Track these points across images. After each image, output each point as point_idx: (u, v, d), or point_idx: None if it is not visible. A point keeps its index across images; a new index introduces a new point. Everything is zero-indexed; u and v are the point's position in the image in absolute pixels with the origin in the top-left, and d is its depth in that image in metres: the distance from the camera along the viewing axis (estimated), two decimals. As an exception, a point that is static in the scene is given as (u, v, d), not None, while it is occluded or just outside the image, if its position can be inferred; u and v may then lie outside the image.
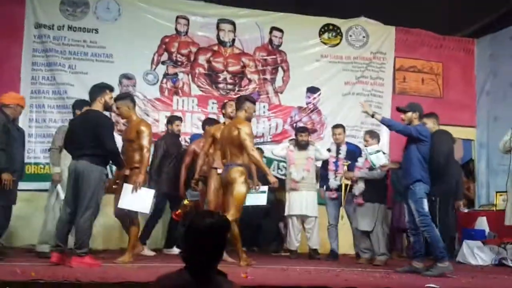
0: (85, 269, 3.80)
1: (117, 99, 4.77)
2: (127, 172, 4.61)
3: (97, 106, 4.39)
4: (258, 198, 5.23)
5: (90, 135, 4.22)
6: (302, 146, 6.05)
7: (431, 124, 5.14)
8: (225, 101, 5.88)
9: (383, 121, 4.82)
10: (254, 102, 4.97)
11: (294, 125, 7.09)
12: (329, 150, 6.07)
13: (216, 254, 1.89)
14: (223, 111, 5.45)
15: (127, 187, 4.54)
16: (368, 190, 5.48)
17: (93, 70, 6.59)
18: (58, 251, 4.10)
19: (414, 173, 4.51)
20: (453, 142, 5.22)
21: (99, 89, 4.46)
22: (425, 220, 4.43)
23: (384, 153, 5.40)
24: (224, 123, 5.31)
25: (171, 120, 6.17)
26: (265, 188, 5.24)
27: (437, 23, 7.62)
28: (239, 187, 4.54)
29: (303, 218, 6.03)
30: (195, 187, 5.27)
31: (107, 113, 4.69)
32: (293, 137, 6.44)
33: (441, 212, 4.90)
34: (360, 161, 5.77)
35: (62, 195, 4.76)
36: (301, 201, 5.94)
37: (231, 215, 4.38)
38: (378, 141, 5.70)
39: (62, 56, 6.57)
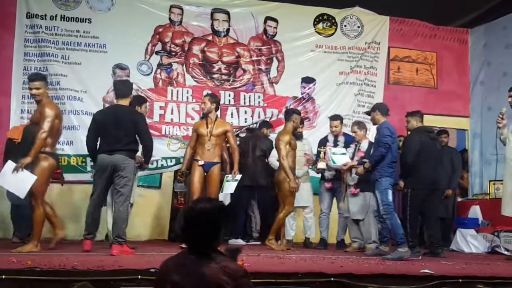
0: (82, 256, 3.80)
1: (38, 79, 4.60)
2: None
3: (126, 102, 4.63)
4: (233, 185, 5.36)
5: (126, 130, 4.44)
6: (298, 137, 6.08)
7: (414, 122, 5.39)
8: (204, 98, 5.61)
9: (374, 163, 5.03)
10: (299, 113, 5.77)
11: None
12: (327, 140, 6.10)
13: (214, 234, 2.07)
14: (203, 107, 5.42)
15: (10, 165, 4.31)
16: (360, 179, 5.52)
17: (87, 61, 6.55)
18: (89, 238, 4.44)
19: (381, 170, 4.95)
20: (430, 138, 5.39)
21: (129, 86, 4.80)
22: (388, 208, 4.87)
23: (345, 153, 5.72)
24: (206, 119, 5.37)
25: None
26: (239, 176, 5.40)
27: (431, 13, 7.62)
28: (286, 185, 5.31)
29: (303, 209, 6.11)
30: (180, 179, 5.42)
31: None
32: None
33: (412, 203, 5.16)
34: (349, 151, 5.83)
35: None
36: (299, 193, 5.97)
37: (286, 209, 5.35)
38: (366, 131, 5.77)
39: (55, 47, 6.50)
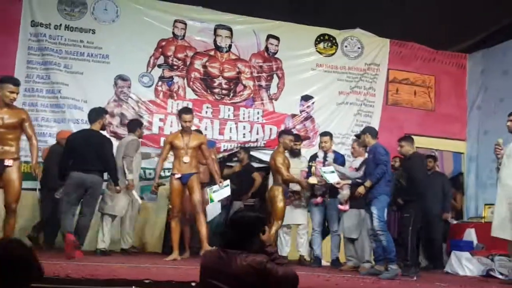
0: (76, 265, 3.78)
1: (17, 83, 4.62)
2: (9, 162, 4.42)
3: (97, 126, 5.26)
4: (224, 192, 5.48)
5: (97, 153, 5.06)
6: (295, 154, 6.13)
7: (407, 147, 5.56)
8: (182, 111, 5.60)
9: (376, 181, 5.08)
10: (290, 134, 5.99)
11: (288, 132, 7.12)
12: (316, 156, 6.13)
13: (249, 239, 2.39)
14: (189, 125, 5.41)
15: None
16: (352, 196, 5.55)
17: (89, 71, 6.62)
18: (79, 248, 4.85)
19: (379, 188, 5.04)
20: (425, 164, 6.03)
21: (99, 112, 5.36)
22: (383, 226, 4.97)
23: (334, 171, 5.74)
24: (181, 132, 5.43)
25: None
26: (227, 182, 5.55)
27: (430, 37, 7.74)
28: (278, 203, 5.49)
29: (294, 226, 6.09)
30: (154, 191, 5.56)
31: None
32: None
33: (414, 225, 5.34)
34: (346, 165, 5.87)
35: (138, 199, 5.66)
36: (292, 210, 5.98)
37: (275, 225, 5.43)
38: (366, 149, 5.85)
39: (58, 55, 6.56)
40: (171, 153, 5.50)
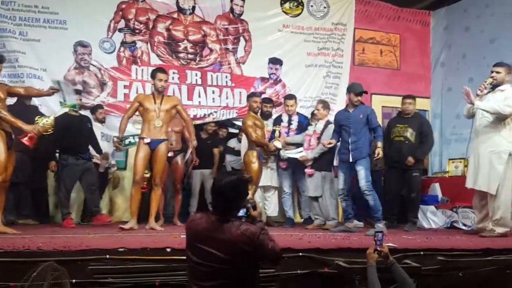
0: (46, 238, 3.72)
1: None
2: None
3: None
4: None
5: None
6: (266, 116, 6.12)
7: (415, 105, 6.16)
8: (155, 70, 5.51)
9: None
10: (255, 95, 5.91)
11: (259, 96, 7.07)
12: (281, 120, 6.15)
13: (236, 203, 2.46)
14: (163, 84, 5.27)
15: None
16: (316, 160, 5.71)
17: (46, 38, 6.31)
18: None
19: (368, 148, 5.20)
20: None
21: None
22: (370, 185, 5.06)
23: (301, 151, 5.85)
24: (153, 94, 5.25)
25: None
26: (195, 142, 5.56)
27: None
28: (253, 165, 5.51)
29: (264, 188, 6.16)
30: (119, 147, 5.34)
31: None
32: None
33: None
34: (311, 129, 5.90)
35: None
36: (265, 173, 6.03)
37: (251, 189, 5.15)
38: (328, 112, 5.95)
39: (12, 22, 6.20)
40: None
